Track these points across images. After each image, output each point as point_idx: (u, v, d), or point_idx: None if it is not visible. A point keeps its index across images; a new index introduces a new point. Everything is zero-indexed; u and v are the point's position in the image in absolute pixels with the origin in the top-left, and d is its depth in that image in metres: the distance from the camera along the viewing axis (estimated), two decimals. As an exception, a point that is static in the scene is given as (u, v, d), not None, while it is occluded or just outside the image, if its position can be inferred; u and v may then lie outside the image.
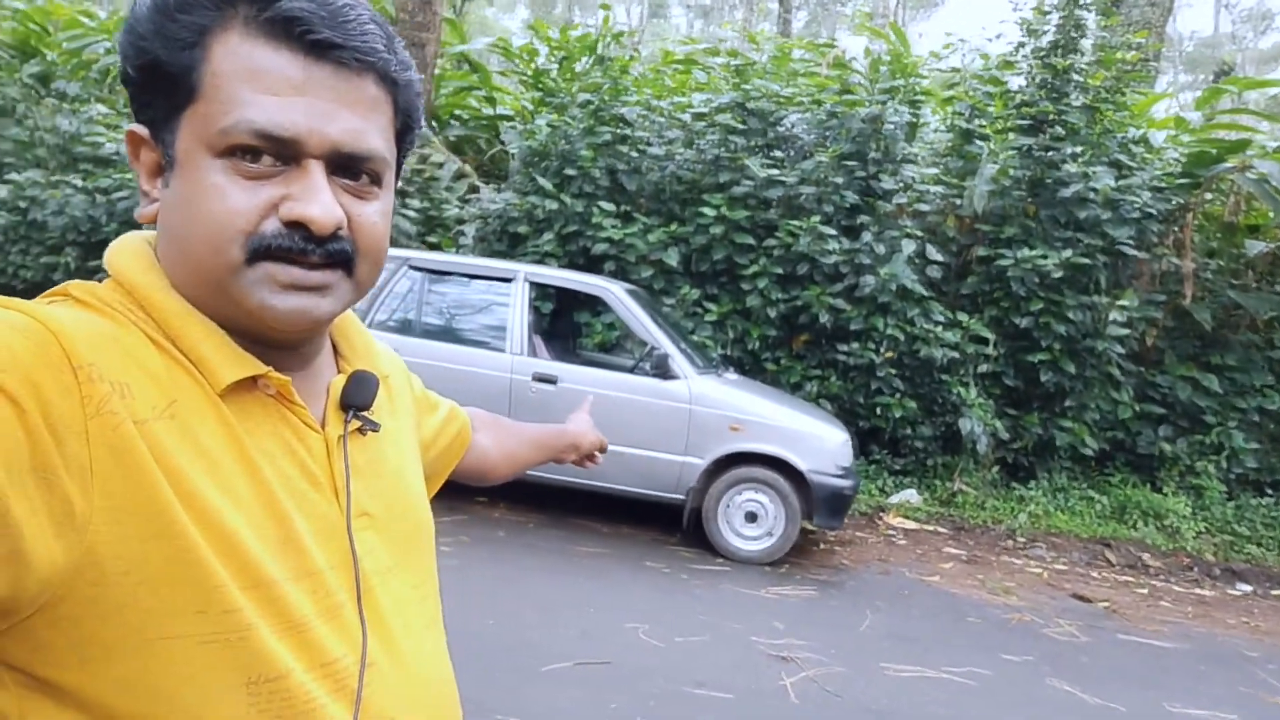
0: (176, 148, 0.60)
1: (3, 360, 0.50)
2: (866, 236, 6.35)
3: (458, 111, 9.19)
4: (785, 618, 3.94)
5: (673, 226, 6.69)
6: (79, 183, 7.57)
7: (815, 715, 3.05)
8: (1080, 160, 6.30)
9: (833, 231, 6.34)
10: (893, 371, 6.29)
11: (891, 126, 6.56)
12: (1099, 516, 6.09)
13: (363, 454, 0.71)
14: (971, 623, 4.21)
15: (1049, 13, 6.59)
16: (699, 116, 7.07)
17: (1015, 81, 6.86)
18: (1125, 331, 6.22)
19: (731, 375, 5.39)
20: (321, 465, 0.66)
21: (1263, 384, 6.45)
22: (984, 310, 6.52)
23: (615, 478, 4.81)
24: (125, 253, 0.64)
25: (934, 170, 6.93)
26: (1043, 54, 6.54)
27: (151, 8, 0.59)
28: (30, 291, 6.73)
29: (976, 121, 6.87)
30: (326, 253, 0.61)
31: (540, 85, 8.10)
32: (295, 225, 0.60)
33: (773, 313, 6.46)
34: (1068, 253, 6.11)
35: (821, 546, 5.21)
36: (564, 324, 6.17)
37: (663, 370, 4.75)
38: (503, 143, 8.07)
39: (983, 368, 6.40)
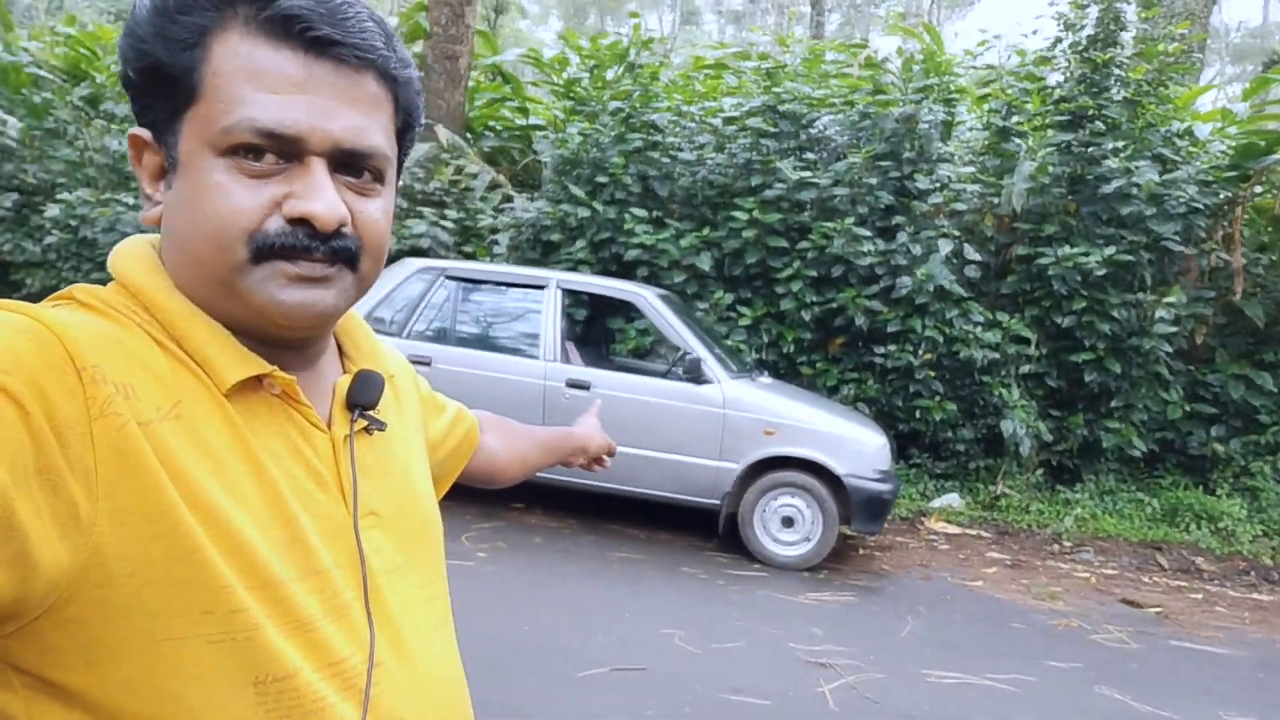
0: (179, 149, 0.61)
1: (6, 363, 0.50)
2: (902, 237, 6.27)
3: (491, 123, 9.27)
4: (824, 624, 3.89)
5: (705, 231, 6.68)
6: (128, 201, 7.79)
7: (854, 723, 3.00)
8: (1122, 155, 6.15)
9: (867, 233, 6.27)
10: (932, 374, 6.19)
11: (926, 125, 6.48)
12: (1149, 519, 5.92)
13: (370, 453, 0.70)
14: (1016, 629, 4.11)
15: (1087, 6, 6.46)
16: (730, 120, 7.05)
17: (1053, 77, 6.73)
18: (1173, 329, 6.05)
19: (765, 379, 5.35)
20: (328, 465, 0.66)
21: (1320, 381, 6.23)
22: (1025, 310, 6.39)
23: (650, 483, 4.80)
24: (129, 256, 0.64)
25: (970, 169, 6.83)
26: (1081, 48, 6.41)
27: (151, 10, 0.60)
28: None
29: (1013, 119, 6.76)
30: (330, 249, 0.61)
31: (571, 94, 8.15)
32: (299, 222, 0.60)
33: (807, 316, 6.40)
34: (1110, 250, 5.97)
35: (861, 552, 5.14)
36: (597, 330, 6.19)
37: (695, 374, 4.73)
38: (535, 152, 8.12)
39: (1024, 368, 6.28)
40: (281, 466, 0.62)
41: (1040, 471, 6.31)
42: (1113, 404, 6.22)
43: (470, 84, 8.78)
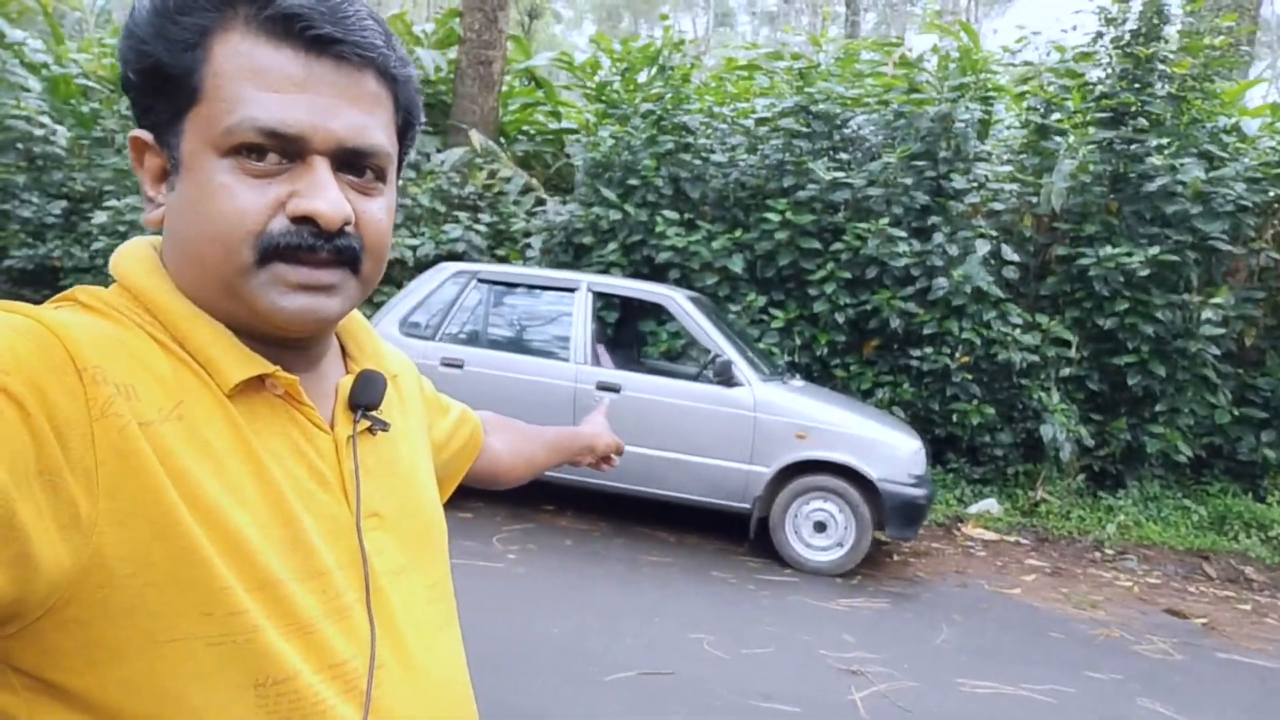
0: (181, 150, 0.61)
1: (7, 363, 0.50)
2: (938, 238, 6.17)
3: (525, 127, 9.32)
4: (856, 630, 3.83)
5: (737, 233, 6.64)
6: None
7: (886, 732, 2.95)
8: (1166, 152, 6.00)
9: (902, 233, 6.19)
10: (969, 377, 6.09)
11: (962, 124, 6.37)
12: (1195, 527, 5.75)
13: (373, 454, 0.70)
14: (1054, 638, 4.02)
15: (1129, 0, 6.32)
16: (762, 121, 7.01)
17: (1094, 73, 6.58)
18: (1220, 331, 5.88)
19: (798, 382, 5.30)
20: (330, 465, 0.66)
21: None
22: (1065, 311, 6.26)
23: (680, 486, 4.78)
24: (130, 257, 0.64)
25: (1008, 168, 6.70)
26: (1123, 43, 6.26)
27: (151, 11, 0.60)
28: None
29: (1053, 116, 6.62)
30: (335, 249, 0.61)
31: (603, 97, 8.16)
32: (303, 220, 0.60)
33: (841, 318, 6.33)
34: (1154, 250, 5.82)
35: (895, 558, 5.06)
36: (628, 333, 6.18)
37: (726, 377, 4.70)
38: (568, 156, 8.15)
39: (1065, 371, 6.14)
40: (283, 467, 0.62)
41: (1081, 477, 6.16)
42: (1157, 408, 6.05)
43: (504, 89, 8.84)
